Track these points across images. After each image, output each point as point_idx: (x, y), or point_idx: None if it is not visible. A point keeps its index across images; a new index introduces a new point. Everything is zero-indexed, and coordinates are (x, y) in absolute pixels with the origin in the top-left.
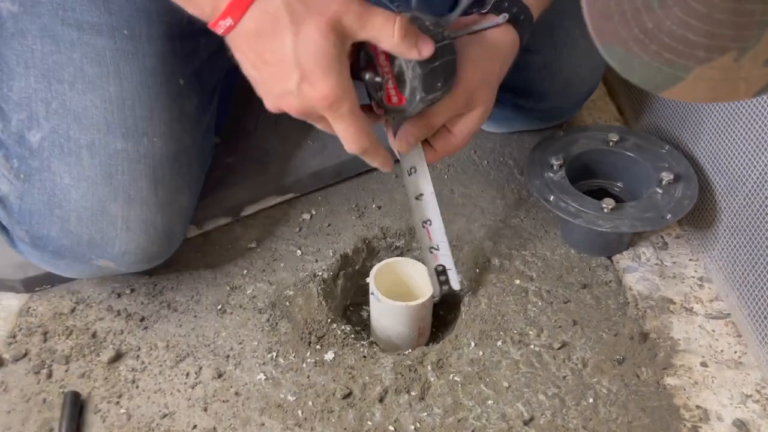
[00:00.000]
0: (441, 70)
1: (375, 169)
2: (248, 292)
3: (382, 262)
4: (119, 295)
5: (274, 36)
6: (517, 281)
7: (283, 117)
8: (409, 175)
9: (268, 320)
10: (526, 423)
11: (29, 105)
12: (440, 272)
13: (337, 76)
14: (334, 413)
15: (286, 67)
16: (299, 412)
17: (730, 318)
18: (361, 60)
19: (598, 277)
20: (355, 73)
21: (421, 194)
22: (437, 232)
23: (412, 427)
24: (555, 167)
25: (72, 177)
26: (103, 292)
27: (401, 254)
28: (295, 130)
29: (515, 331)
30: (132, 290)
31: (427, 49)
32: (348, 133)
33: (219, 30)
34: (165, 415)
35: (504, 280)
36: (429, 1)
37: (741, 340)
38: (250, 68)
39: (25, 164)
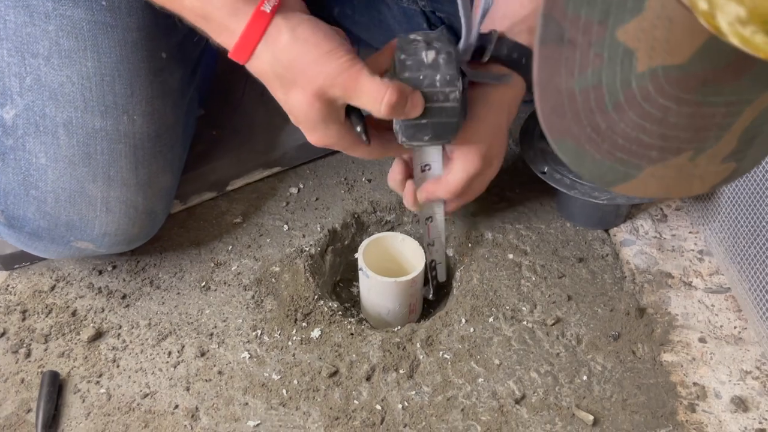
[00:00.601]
0: (429, 128)
1: None
2: (233, 268)
3: (371, 237)
4: (100, 272)
5: (270, 87)
6: (511, 256)
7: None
8: (422, 171)
9: (253, 297)
10: (517, 401)
11: (2, 80)
12: (432, 267)
13: (323, 132)
14: (319, 392)
15: (285, 109)
16: (284, 391)
17: (730, 292)
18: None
19: (595, 251)
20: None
21: None
22: (436, 229)
23: (400, 405)
24: None
25: (48, 157)
26: (84, 270)
27: (391, 229)
28: None
29: (508, 307)
30: (114, 267)
31: (414, 113)
32: (355, 155)
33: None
34: (146, 395)
35: (497, 254)
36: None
37: (741, 315)
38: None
39: None
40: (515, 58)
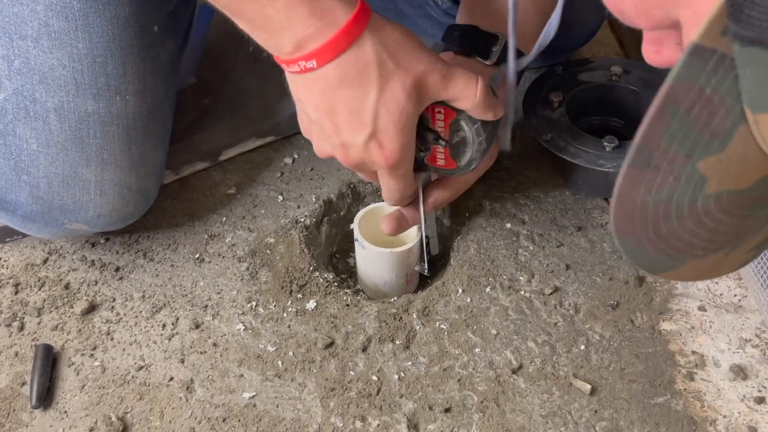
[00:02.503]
0: (494, 141)
1: None
2: (227, 240)
3: (367, 208)
4: (93, 245)
5: (357, 88)
6: (509, 225)
7: (262, 55)
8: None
9: (247, 269)
10: (514, 371)
11: None
12: (426, 243)
13: (407, 138)
14: (315, 363)
15: (359, 121)
16: (279, 362)
17: None
18: None
19: (594, 220)
20: None
21: None
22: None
23: (396, 376)
24: (554, 104)
25: (40, 143)
26: (77, 242)
27: None
28: (275, 68)
29: (505, 277)
30: (106, 240)
31: (499, 111)
32: (394, 190)
33: (293, 68)
34: (141, 368)
35: (495, 223)
36: None
37: (741, 283)
38: (312, 111)
39: None
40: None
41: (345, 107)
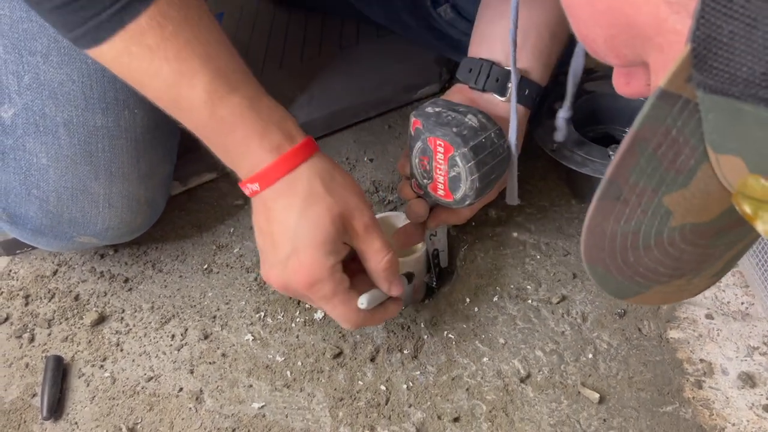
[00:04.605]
0: (494, 181)
1: (366, 120)
2: (235, 250)
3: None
4: (102, 256)
5: (287, 205)
6: (515, 234)
7: (268, 66)
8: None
9: (255, 279)
10: (522, 380)
11: None
12: (435, 256)
13: (325, 256)
14: (324, 373)
15: (284, 239)
16: (288, 372)
17: (737, 267)
18: (416, 145)
19: None
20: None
21: None
22: (439, 241)
23: (405, 386)
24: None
25: (49, 157)
26: (86, 254)
27: (394, 209)
28: (281, 79)
29: (512, 286)
30: (115, 251)
31: (395, 290)
32: (336, 314)
33: (246, 191)
34: (150, 378)
35: (501, 233)
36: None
37: (748, 291)
38: (258, 234)
39: None
40: (526, 94)
41: (278, 227)
